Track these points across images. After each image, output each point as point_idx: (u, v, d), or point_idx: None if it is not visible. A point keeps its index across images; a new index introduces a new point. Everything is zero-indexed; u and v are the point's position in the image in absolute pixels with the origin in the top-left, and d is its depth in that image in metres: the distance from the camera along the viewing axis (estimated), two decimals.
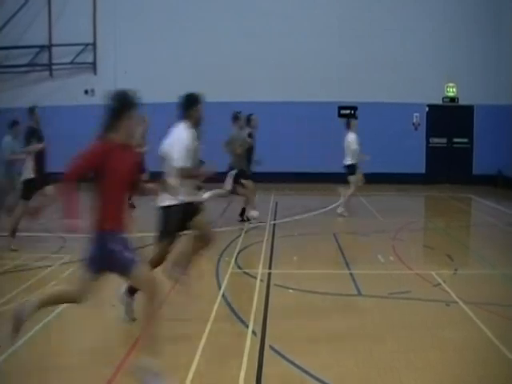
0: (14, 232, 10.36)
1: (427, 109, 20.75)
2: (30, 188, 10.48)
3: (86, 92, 21.76)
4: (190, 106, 7.02)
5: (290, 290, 7.96)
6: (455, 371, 5.44)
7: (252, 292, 7.74)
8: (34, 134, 11.01)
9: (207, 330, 6.30)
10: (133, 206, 13.03)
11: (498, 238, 11.97)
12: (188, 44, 20.94)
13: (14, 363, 5.56)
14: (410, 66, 20.24)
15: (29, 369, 5.48)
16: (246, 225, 12.82)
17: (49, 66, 21.97)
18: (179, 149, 6.72)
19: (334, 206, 15.08)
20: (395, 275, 8.84)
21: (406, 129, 20.48)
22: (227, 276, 8.58)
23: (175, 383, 5.11)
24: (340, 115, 20.66)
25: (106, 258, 5.07)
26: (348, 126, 14.20)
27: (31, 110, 11.42)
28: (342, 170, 14.28)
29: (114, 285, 8.38)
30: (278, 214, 14.32)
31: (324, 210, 14.82)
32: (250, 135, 13.52)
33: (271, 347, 5.85)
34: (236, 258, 9.65)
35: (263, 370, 5.37)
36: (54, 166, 21.00)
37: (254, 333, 6.25)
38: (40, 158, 10.98)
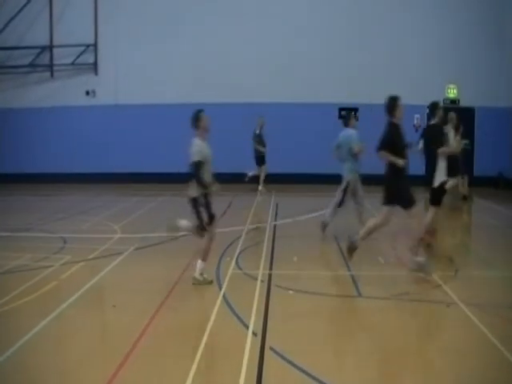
0: (424, 240, 9.52)
1: (428, 110, 20.73)
2: (441, 192, 9.89)
3: (87, 93, 21.79)
4: None
5: (291, 291, 7.95)
6: (455, 373, 5.43)
7: (252, 293, 7.73)
8: (442, 134, 10.22)
9: (207, 331, 6.30)
10: None
11: (498, 239, 11.95)
12: (189, 45, 20.96)
13: (15, 363, 5.57)
14: (410, 67, 20.24)
15: (29, 369, 5.49)
16: None
17: (50, 67, 22.00)
18: None
19: None
20: (395, 277, 8.84)
21: (407, 130, 20.41)
22: (228, 276, 8.57)
23: None
24: (340, 116, 20.64)
25: None
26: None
27: (434, 106, 10.82)
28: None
29: (114, 286, 8.42)
30: (279, 215, 14.31)
31: (325, 211, 14.78)
32: None
33: (271, 348, 5.84)
34: (237, 259, 9.65)
35: (263, 370, 5.37)
36: (54, 166, 21.11)
37: (254, 334, 6.25)
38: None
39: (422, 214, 9.01)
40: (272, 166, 20.30)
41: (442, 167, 9.82)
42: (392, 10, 20.50)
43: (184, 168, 8.99)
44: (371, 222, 9.22)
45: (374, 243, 11.40)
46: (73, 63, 21.78)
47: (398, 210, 8.98)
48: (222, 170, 20.93)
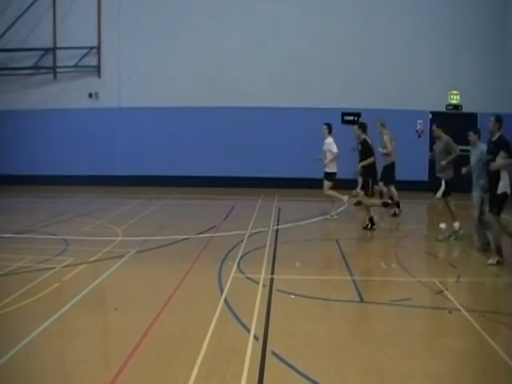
0: (498, 250, 9.72)
1: (431, 116, 20.72)
2: (503, 202, 9.57)
3: (90, 95, 21.80)
4: None
5: (292, 296, 7.95)
6: (456, 379, 5.43)
7: (254, 297, 7.73)
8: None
9: (209, 335, 6.29)
10: None
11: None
12: (192, 49, 20.97)
13: (17, 365, 5.57)
14: (413, 72, 20.24)
15: (30, 371, 5.48)
16: None
17: (53, 69, 22.01)
18: None
19: (336, 212, 15.09)
20: (397, 282, 8.83)
21: (410, 136, 20.44)
22: (229, 281, 8.56)
23: None
24: (343, 121, 20.63)
25: None
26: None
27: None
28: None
29: (116, 288, 8.43)
30: (281, 219, 14.30)
31: (327, 216, 14.78)
32: None
33: (273, 352, 5.84)
34: (238, 263, 9.64)
35: (265, 375, 5.36)
36: (57, 168, 21.13)
37: (255, 338, 6.25)
38: None
39: None
40: (274, 171, 20.35)
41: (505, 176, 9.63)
42: (393, 16, 20.49)
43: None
44: None
45: (376, 249, 11.41)
46: (76, 65, 21.78)
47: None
48: (223, 174, 21.06)
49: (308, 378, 5.30)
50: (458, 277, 8.93)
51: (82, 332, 6.58)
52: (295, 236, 12.32)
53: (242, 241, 11.49)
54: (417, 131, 20.73)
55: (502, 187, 9.47)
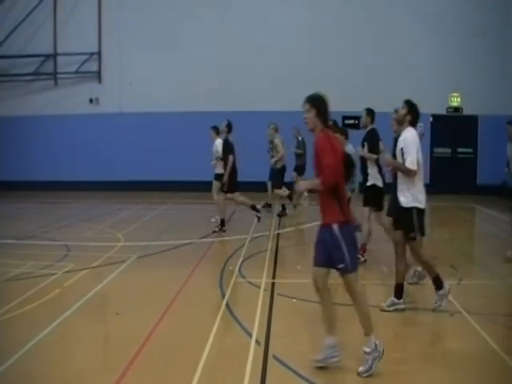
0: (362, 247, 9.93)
1: (431, 119, 20.72)
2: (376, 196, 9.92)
3: (91, 101, 21.85)
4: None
5: (294, 300, 7.94)
6: (459, 382, 5.42)
7: (255, 301, 7.72)
8: None
9: (210, 340, 6.29)
10: None
11: (502, 248, 11.91)
12: (192, 54, 21.02)
13: (18, 370, 5.57)
14: (414, 75, 20.24)
15: (31, 377, 5.48)
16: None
17: (54, 75, 22.08)
18: None
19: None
20: None
21: None
22: (231, 285, 8.56)
23: None
24: (344, 125, 20.61)
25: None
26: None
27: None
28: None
29: (117, 294, 8.42)
30: (282, 223, 14.29)
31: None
32: None
33: (275, 357, 5.84)
34: (240, 268, 9.63)
35: (266, 379, 5.36)
36: (58, 174, 21.13)
37: (257, 342, 6.24)
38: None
39: None
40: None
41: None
42: (394, 19, 20.53)
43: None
44: None
45: (376, 252, 11.39)
46: (76, 71, 21.85)
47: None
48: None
49: (310, 382, 5.29)
50: (460, 279, 8.93)
51: (84, 337, 6.58)
52: (296, 240, 12.33)
53: (243, 245, 11.49)
54: (417, 134, 20.68)
55: (371, 179, 9.82)
